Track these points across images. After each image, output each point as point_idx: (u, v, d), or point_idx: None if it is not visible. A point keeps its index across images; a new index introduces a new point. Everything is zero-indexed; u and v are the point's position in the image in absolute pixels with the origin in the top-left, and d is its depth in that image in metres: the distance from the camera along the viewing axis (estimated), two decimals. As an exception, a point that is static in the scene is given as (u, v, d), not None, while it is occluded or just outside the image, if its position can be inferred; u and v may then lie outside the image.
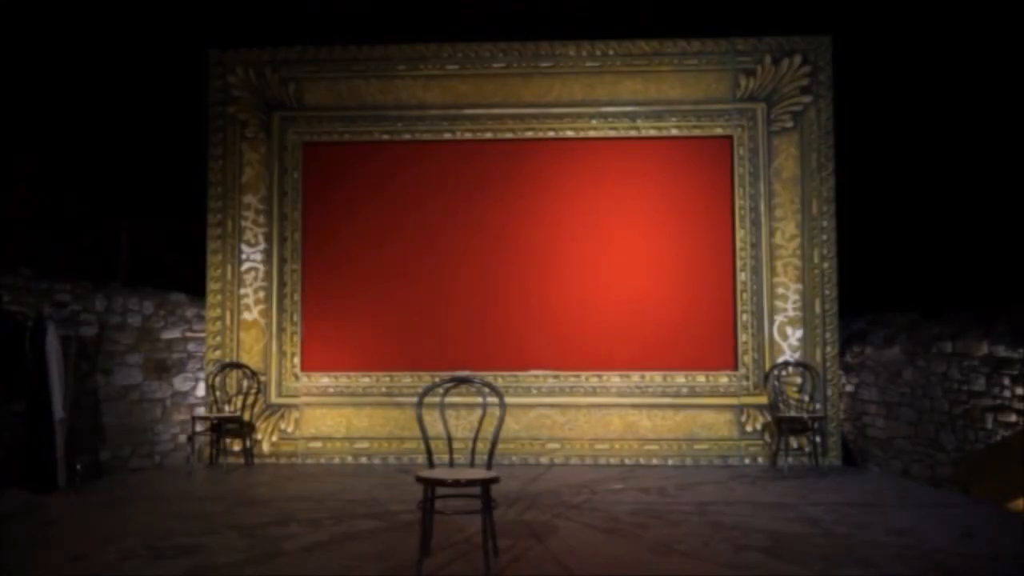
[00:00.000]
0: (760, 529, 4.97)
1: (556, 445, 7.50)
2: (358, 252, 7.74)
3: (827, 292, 7.40)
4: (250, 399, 7.52)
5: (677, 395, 7.47)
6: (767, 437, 7.37)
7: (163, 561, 4.34)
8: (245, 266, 7.72)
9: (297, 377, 7.65)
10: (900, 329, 6.86)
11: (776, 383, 7.28)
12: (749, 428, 7.39)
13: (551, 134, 7.70)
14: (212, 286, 7.68)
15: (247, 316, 7.68)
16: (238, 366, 7.56)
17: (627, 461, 7.41)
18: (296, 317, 7.68)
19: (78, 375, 6.57)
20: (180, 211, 7.81)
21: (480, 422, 4.41)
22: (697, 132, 7.63)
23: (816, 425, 7.18)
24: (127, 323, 7.17)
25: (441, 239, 7.72)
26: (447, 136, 7.76)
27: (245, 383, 7.54)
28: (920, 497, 5.90)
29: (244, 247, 7.73)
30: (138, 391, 7.23)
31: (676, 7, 7.44)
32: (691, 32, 7.56)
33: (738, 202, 7.54)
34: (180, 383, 7.56)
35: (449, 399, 4.71)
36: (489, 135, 7.74)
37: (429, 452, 4.40)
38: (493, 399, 4.39)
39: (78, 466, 6.34)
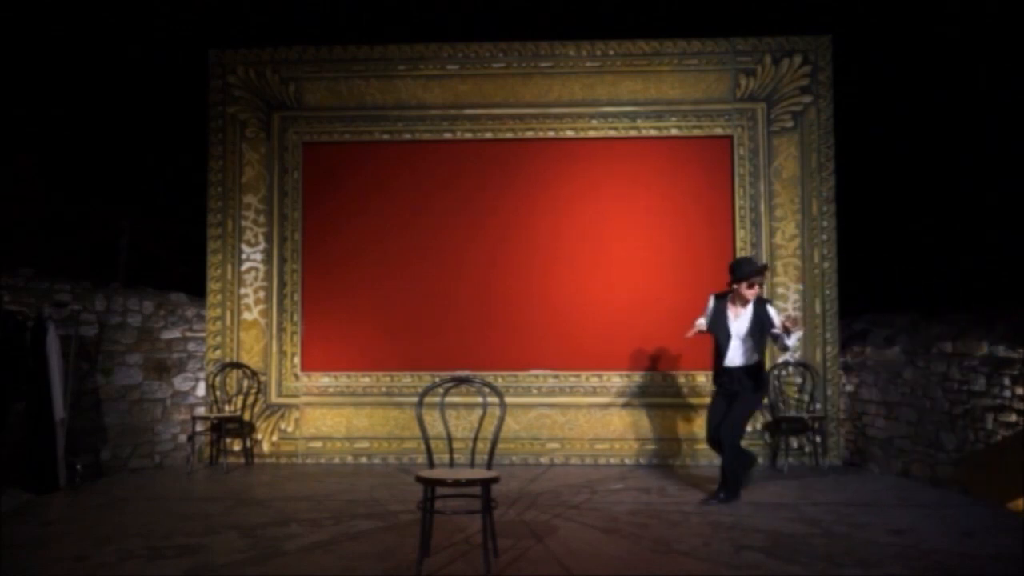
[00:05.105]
0: (760, 529, 4.98)
1: (556, 445, 7.50)
2: (358, 252, 7.74)
3: (827, 292, 7.40)
4: (250, 399, 7.53)
5: (677, 395, 7.48)
6: (767, 437, 7.37)
7: (163, 561, 4.34)
8: (245, 266, 7.73)
9: (297, 377, 7.65)
10: (900, 329, 6.85)
11: (776, 383, 7.28)
12: (749, 428, 7.37)
13: (551, 134, 7.70)
14: (212, 286, 7.68)
15: (247, 316, 7.68)
16: (238, 366, 7.56)
17: (627, 461, 7.41)
18: (296, 317, 7.68)
19: (78, 375, 6.57)
20: (180, 211, 7.82)
21: (480, 422, 4.41)
22: (697, 132, 7.63)
23: (816, 425, 7.18)
24: (127, 323, 7.17)
25: (441, 239, 7.71)
26: (447, 136, 7.76)
27: (245, 383, 7.54)
28: (920, 497, 5.90)
29: (244, 247, 7.74)
30: (138, 391, 7.23)
31: (676, 7, 7.44)
32: (691, 32, 7.57)
33: (738, 202, 7.54)
34: (180, 383, 7.56)
35: (449, 399, 4.72)
36: (489, 135, 7.74)
37: (429, 452, 4.40)
38: (493, 399, 4.39)
39: (78, 466, 6.34)
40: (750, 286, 5.66)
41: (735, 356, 5.75)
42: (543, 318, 7.59)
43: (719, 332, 5.79)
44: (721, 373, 5.84)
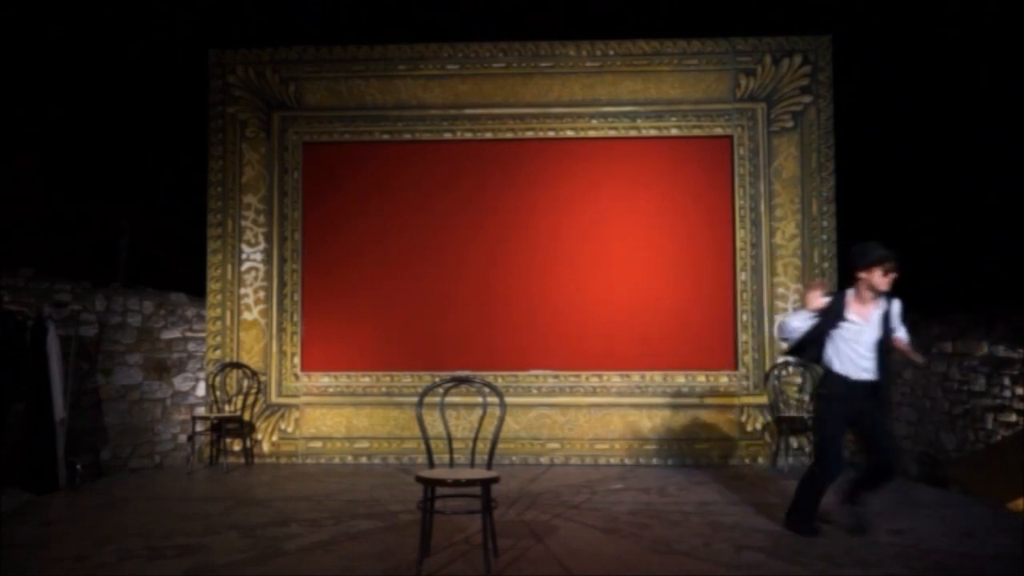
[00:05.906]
0: (760, 529, 4.97)
1: (556, 445, 7.49)
2: (358, 252, 7.74)
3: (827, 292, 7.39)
4: (250, 399, 7.52)
5: (677, 395, 7.47)
6: (767, 437, 7.37)
7: (163, 561, 4.34)
8: (245, 266, 7.72)
9: (297, 377, 7.65)
10: (900, 329, 6.84)
11: (776, 383, 7.28)
12: (749, 428, 7.39)
13: (551, 134, 7.70)
14: (212, 286, 7.68)
15: (247, 316, 7.68)
16: (238, 366, 7.56)
17: (627, 461, 7.41)
18: (296, 317, 7.68)
19: (78, 375, 6.57)
20: (180, 211, 7.82)
21: (480, 422, 4.41)
22: (697, 132, 7.62)
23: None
24: (127, 323, 7.17)
25: (441, 239, 7.71)
26: (447, 136, 7.75)
27: (245, 383, 7.54)
28: (920, 497, 5.90)
29: (244, 247, 7.74)
30: (138, 391, 7.23)
31: (676, 7, 7.44)
32: (691, 32, 7.57)
33: (738, 202, 7.54)
34: (180, 383, 7.56)
35: (449, 399, 4.72)
36: (489, 135, 7.74)
37: (429, 452, 4.40)
38: (493, 399, 4.39)
39: (78, 466, 6.34)
40: (885, 273, 4.48)
41: (868, 365, 4.58)
42: (543, 318, 7.59)
43: (821, 328, 4.64)
44: (841, 383, 4.62)
